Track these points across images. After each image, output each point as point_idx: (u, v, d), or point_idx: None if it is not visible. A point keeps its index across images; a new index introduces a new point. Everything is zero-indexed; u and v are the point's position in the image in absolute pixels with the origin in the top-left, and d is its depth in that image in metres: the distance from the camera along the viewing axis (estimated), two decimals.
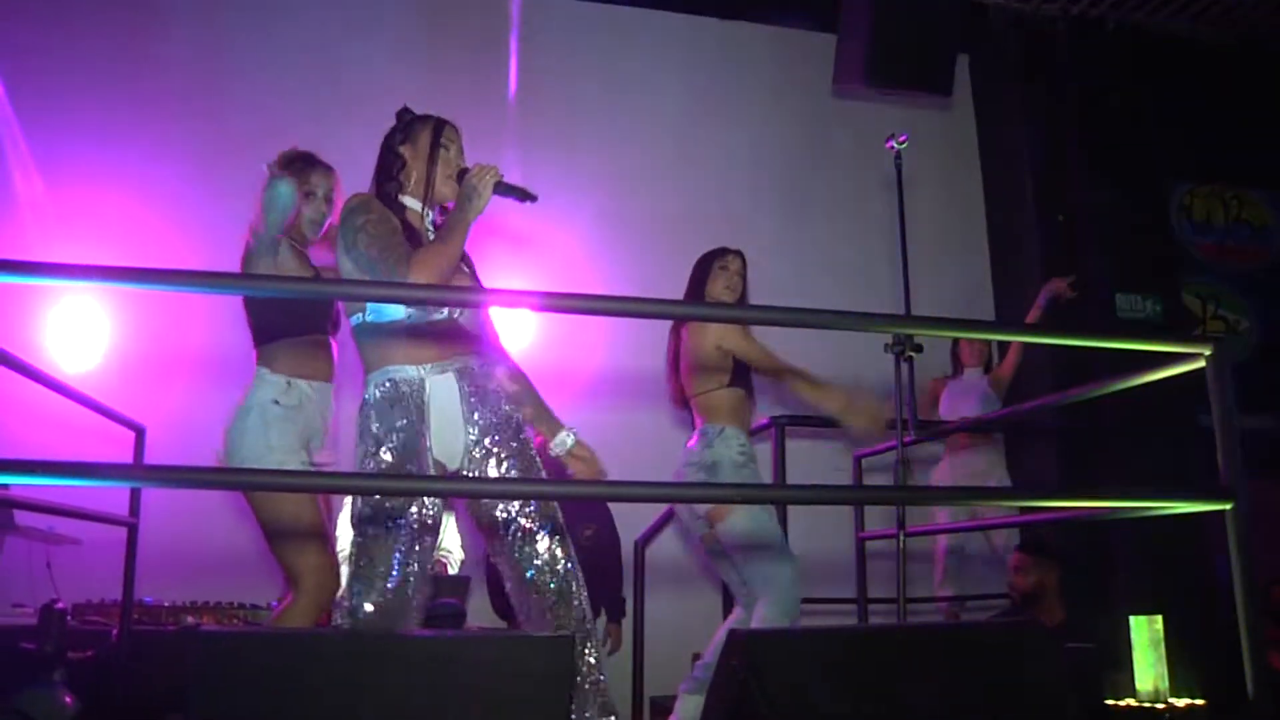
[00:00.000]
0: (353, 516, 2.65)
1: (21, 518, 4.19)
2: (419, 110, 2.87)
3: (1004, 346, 5.61)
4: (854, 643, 2.30)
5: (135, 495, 3.77)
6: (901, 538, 3.42)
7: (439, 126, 2.82)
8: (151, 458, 3.74)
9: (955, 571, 5.29)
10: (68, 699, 3.15)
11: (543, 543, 2.65)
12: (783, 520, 3.83)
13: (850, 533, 4.16)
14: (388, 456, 2.61)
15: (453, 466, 2.71)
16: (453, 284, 2.69)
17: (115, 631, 3.59)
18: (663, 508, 4.44)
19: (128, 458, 3.71)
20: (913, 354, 3.48)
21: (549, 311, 2.82)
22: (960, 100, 6.51)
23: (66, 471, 1.68)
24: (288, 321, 3.17)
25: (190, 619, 3.89)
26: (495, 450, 2.70)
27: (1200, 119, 6.60)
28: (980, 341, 5.53)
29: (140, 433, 3.75)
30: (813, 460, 5.02)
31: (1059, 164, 6.29)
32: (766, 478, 3.62)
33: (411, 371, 2.67)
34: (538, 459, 2.78)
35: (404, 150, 2.81)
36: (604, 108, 5.96)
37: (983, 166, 6.68)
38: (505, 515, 2.67)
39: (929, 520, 5.27)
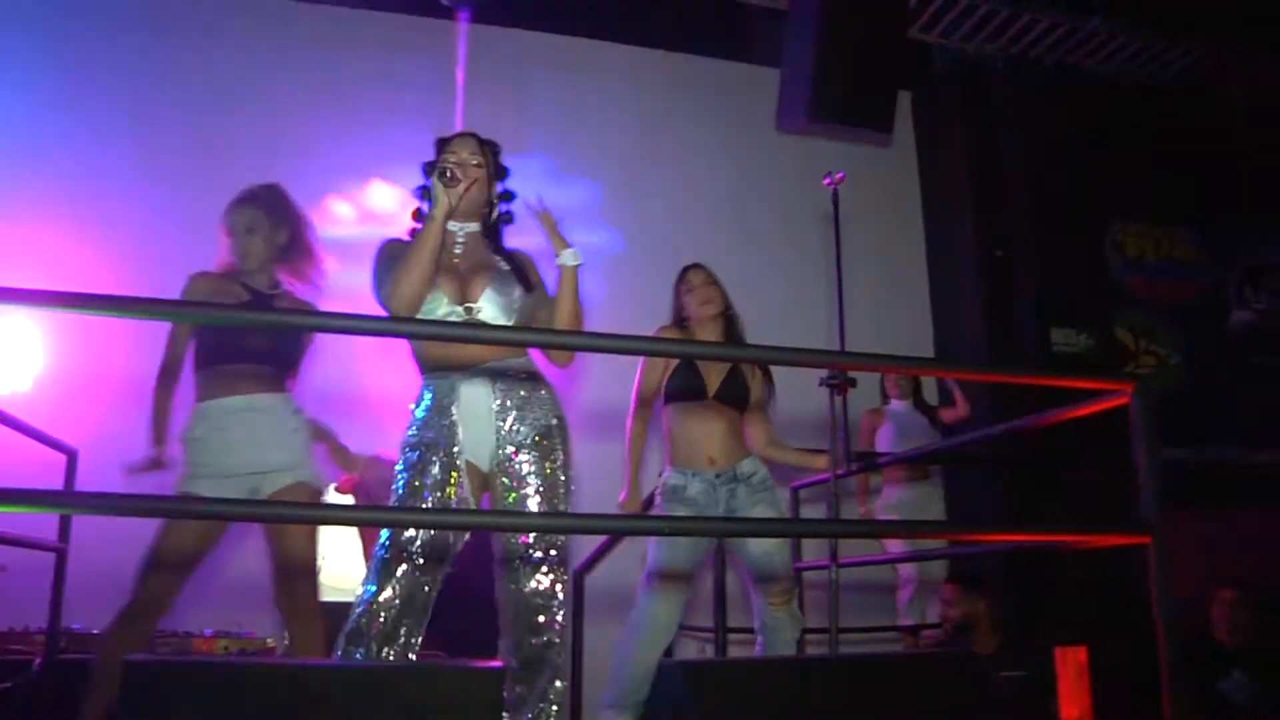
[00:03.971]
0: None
1: None
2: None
3: (945, 381, 5.71)
4: (787, 673, 2.32)
5: (65, 520, 3.70)
6: (834, 570, 3.46)
7: (441, 144, 2.90)
8: (84, 481, 3.68)
9: (920, 602, 5.35)
10: None
11: (538, 571, 2.67)
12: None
13: None
14: (415, 472, 2.66)
15: (485, 468, 2.73)
16: (473, 291, 2.76)
17: (39, 660, 3.51)
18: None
19: (59, 481, 3.65)
20: (848, 387, 3.53)
21: (489, 344, 2.81)
22: (903, 136, 6.63)
23: None
24: (197, 354, 3.25)
25: None
26: (528, 468, 2.72)
27: (1132, 158, 6.79)
28: (905, 375, 5.61)
29: (73, 456, 3.70)
30: None
31: (997, 200, 6.43)
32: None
33: (444, 381, 2.73)
34: (569, 486, 2.79)
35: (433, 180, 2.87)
36: (549, 137, 5.98)
37: (923, 201, 6.81)
38: (510, 539, 2.70)
39: (882, 551, 5.34)
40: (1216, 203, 7.09)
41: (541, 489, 2.72)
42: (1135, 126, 6.85)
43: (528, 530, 2.70)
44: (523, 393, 2.78)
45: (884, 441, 5.52)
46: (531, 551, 2.68)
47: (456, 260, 2.83)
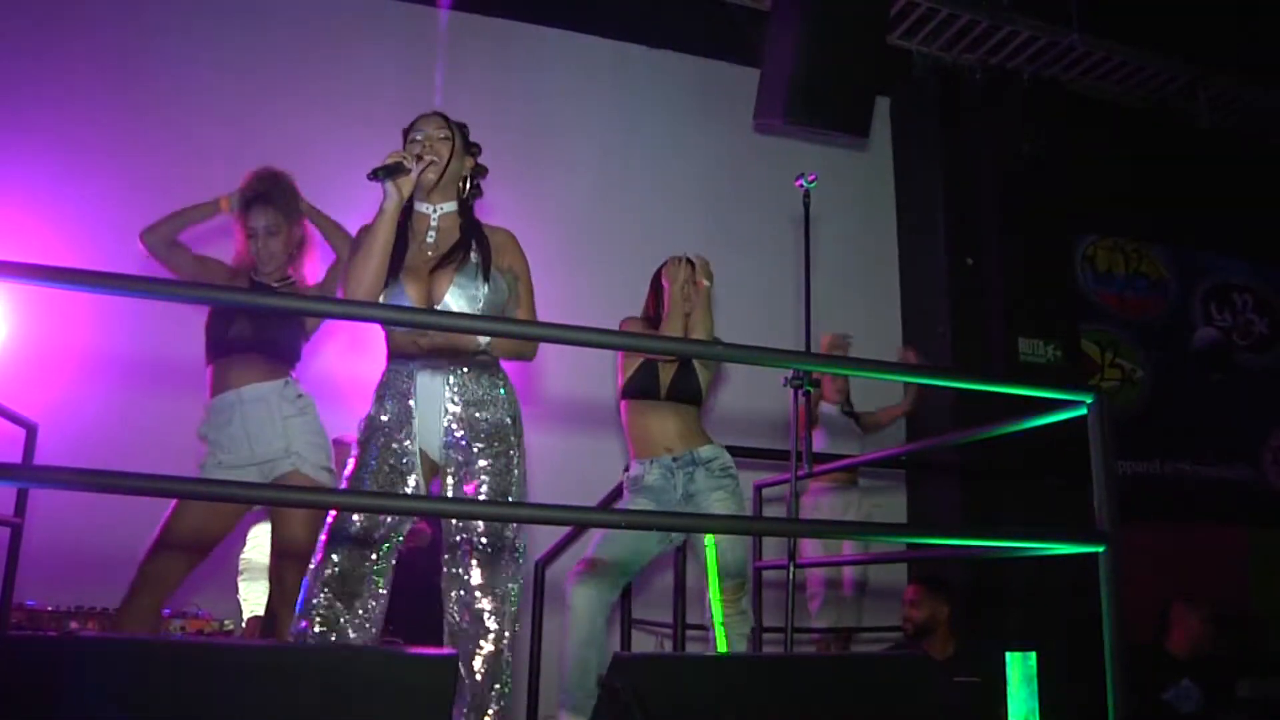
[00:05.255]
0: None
1: None
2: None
3: (908, 389, 5.73)
4: (741, 670, 2.33)
5: (22, 495, 3.67)
6: (791, 569, 3.47)
7: (407, 131, 2.88)
8: (44, 456, 3.64)
9: (833, 602, 5.37)
10: None
11: (484, 564, 2.65)
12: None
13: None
14: (375, 452, 2.70)
15: (435, 456, 2.74)
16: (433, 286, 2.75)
17: None
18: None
19: (17, 455, 3.61)
20: (810, 389, 3.54)
21: (458, 332, 2.81)
22: (879, 141, 6.66)
23: None
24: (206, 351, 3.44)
25: (74, 624, 3.78)
26: (477, 457, 2.70)
27: (1106, 174, 6.86)
28: (842, 379, 5.61)
29: (32, 430, 3.66)
30: None
31: (971, 209, 6.47)
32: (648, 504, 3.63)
33: (403, 367, 2.76)
34: (516, 480, 2.76)
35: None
36: (526, 128, 5.95)
37: (897, 206, 6.84)
38: (457, 529, 2.69)
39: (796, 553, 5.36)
40: (1186, 221, 7.19)
41: (490, 482, 2.70)
42: (1110, 142, 6.92)
43: (485, 519, 2.68)
44: (479, 384, 2.77)
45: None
46: (473, 539, 2.66)
47: (429, 253, 2.80)
